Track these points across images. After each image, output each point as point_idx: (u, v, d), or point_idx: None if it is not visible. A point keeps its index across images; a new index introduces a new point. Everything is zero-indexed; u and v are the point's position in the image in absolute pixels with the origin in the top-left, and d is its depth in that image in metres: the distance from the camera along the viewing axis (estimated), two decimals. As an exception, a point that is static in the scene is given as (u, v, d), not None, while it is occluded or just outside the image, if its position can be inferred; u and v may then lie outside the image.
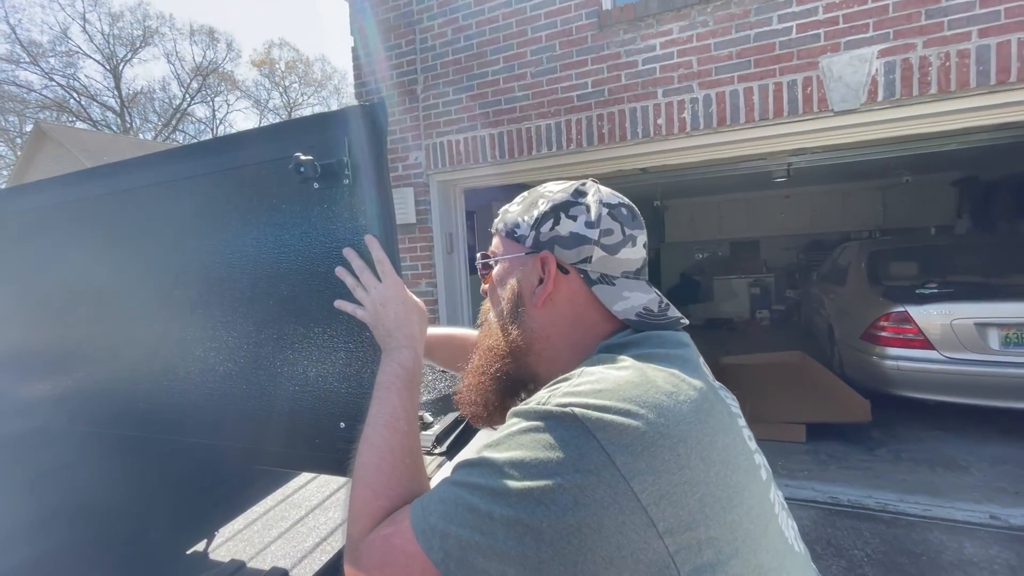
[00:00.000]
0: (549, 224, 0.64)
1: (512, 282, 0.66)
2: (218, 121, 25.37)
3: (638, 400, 0.46)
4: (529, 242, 0.65)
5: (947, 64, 2.59)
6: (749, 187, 9.18)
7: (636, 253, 0.65)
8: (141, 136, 21.55)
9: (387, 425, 0.62)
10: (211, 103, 25.43)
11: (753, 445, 0.56)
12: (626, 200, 0.67)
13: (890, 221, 9.61)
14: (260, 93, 27.13)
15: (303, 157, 0.73)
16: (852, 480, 3.36)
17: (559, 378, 0.54)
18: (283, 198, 0.81)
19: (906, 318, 3.83)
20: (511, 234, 0.68)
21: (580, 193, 0.65)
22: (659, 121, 3.21)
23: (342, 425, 0.81)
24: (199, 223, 0.88)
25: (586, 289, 0.63)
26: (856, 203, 9.77)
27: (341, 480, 1.29)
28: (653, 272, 11.31)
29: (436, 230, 4.07)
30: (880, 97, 2.73)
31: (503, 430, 0.51)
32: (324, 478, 1.33)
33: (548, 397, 0.50)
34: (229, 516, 1.17)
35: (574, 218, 0.63)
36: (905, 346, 3.83)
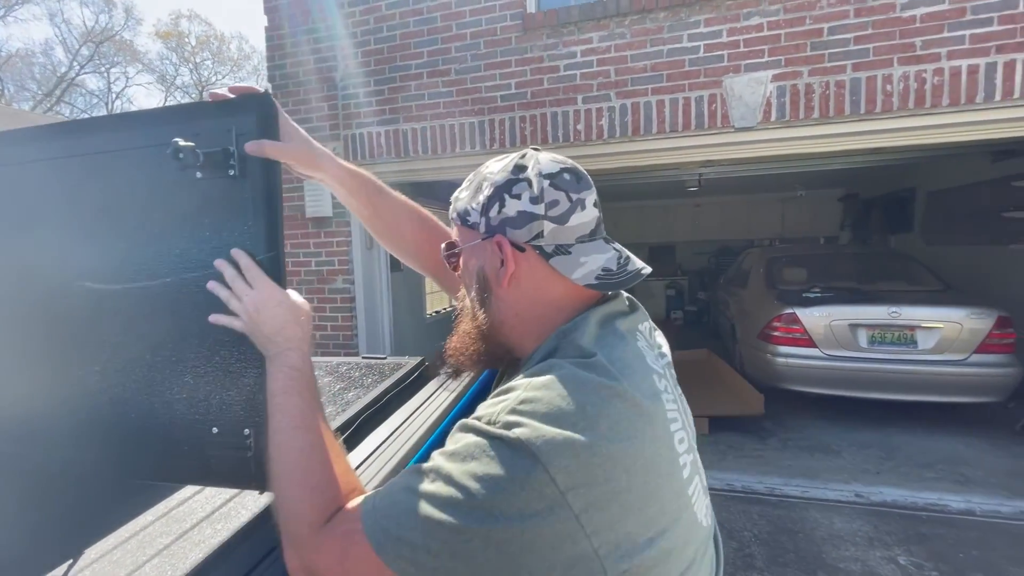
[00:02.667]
0: (496, 208, 0.65)
1: (476, 268, 0.68)
2: (114, 95, 22.82)
3: (577, 424, 0.51)
4: (482, 228, 0.66)
5: (827, 92, 2.90)
6: (666, 195, 9.73)
7: (587, 215, 0.66)
8: (16, 106, 18.87)
9: (300, 426, 0.63)
10: (106, 74, 22.82)
11: (683, 446, 0.59)
12: (568, 163, 0.68)
13: (788, 231, 10.59)
14: (166, 68, 24.75)
15: (183, 143, 0.69)
16: (746, 468, 3.67)
17: (502, 387, 0.58)
18: (161, 189, 0.74)
19: (794, 319, 4.24)
20: (465, 222, 0.69)
21: (520, 168, 0.66)
22: (578, 127, 3.31)
23: (215, 431, 0.77)
24: (62, 211, 0.78)
25: (544, 263, 0.64)
26: (759, 213, 10.67)
27: (227, 492, 1.21)
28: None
29: (354, 224, 3.92)
30: (773, 117, 2.99)
31: (454, 443, 0.55)
32: (209, 490, 1.23)
33: (496, 413, 0.53)
34: (98, 535, 1.06)
35: (518, 197, 0.64)
36: (793, 344, 4.24)
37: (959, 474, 3.48)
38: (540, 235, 0.64)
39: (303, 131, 0.76)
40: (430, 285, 6.30)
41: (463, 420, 0.57)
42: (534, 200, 0.64)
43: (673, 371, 0.73)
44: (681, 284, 10.65)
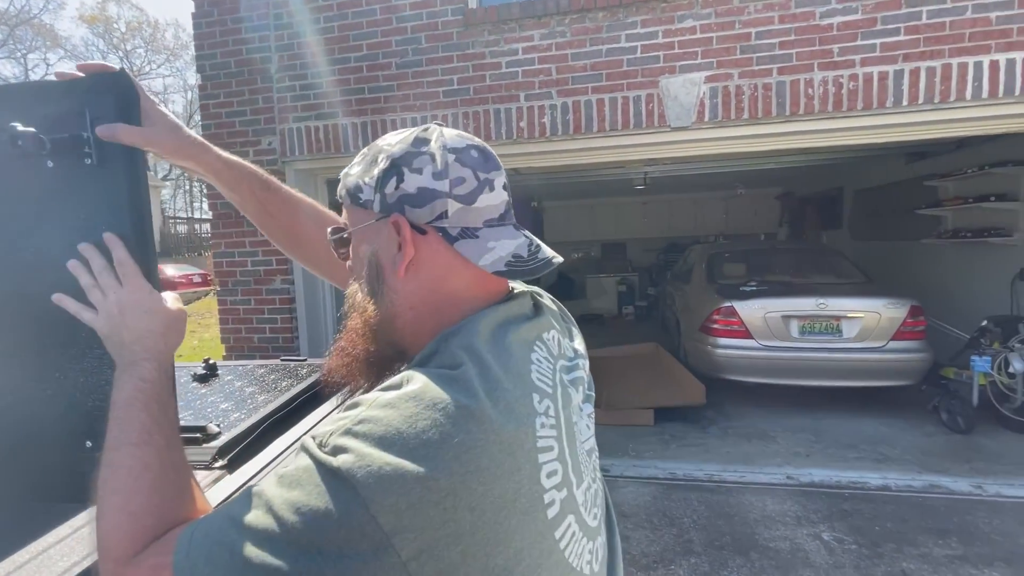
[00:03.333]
0: (393, 183, 0.57)
1: (368, 255, 0.60)
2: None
3: (414, 451, 0.44)
4: (376, 207, 0.58)
5: (755, 94, 3.03)
6: (615, 193, 9.95)
7: (496, 197, 0.59)
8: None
9: (139, 443, 0.55)
10: (22, 60, 21.04)
11: (553, 480, 0.51)
12: (476, 141, 0.61)
13: (732, 227, 11.07)
14: (91, 55, 23.05)
15: (21, 128, 0.62)
16: (688, 456, 3.80)
17: (351, 401, 0.51)
18: (8, 179, 0.67)
19: (732, 312, 4.43)
20: (356, 200, 0.60)
21: (422, 141, 0.58)
22: (521, 124, 3.31)
23: (88, 444, 0.71)
24: None
25: (448, 248, 0.57)
26: (705, 211, 11.10)
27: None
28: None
29: (294, 223, 3.78)
30: (707, 117, 3.10)
31: (287, 464, 0.48)
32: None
33: (328, 434, 0.47)
34: None
35: (419, 171, 0.56)
36: (732, 336, 4.43)
37: (879, 453, 3.74)
38: (444, 215, 0.56)
39: (171, 116, 0.70)
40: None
41: (304, 436, 0.51)
42: (437, 176, 0.56)
43: (585, 385, 0.65)
44: (632, 280, 10.91)
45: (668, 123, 3.14)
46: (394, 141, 0.59)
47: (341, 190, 0.63)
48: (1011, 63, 2.78)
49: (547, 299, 0.71)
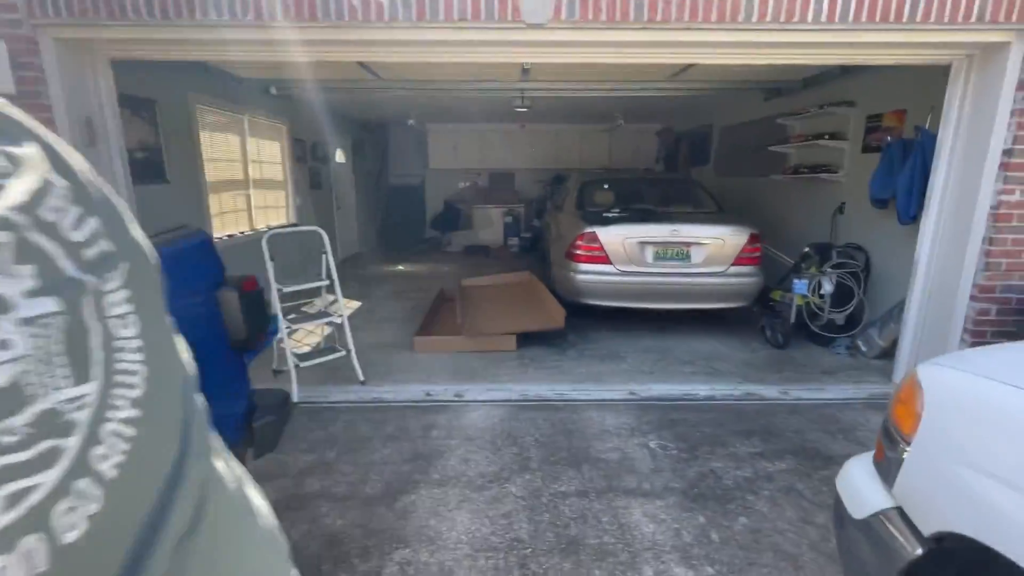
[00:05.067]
0: None
1: None
2: None
3: None
4: None
5: (614, -7, 2.79)
6: (502, 119, 9.51)
7: None
8: None
9: None
10: None
11: None
12: None
13: (615, 161, 11.26)
14: None
15: None
16: (542, 378, 3.84)
17: None
18: None
19: (594, 238, 4.44)
20: None
21: None
22: (354, 2, 2.76)
23: None
24: None
25: None
26: (590, 144, 11.12)
27: None
28: (418, 197, 11.32)
29: (59, 109, 2.93)
30: (564, 15, 2.81)
31: None
32: None
33: None
34: None
35: None
36: (592, 261, 4.47)
37: (711, 368, 4.08)
38: None
39: None
40: (218, 202, 5.30)
41: None
42: None
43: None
44: (518, 211, 10.83)
45: (523, 18, 2.80)
46: None
47: None
48: (849, -12, 2.81)
49: None
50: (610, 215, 4.64)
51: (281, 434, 1.72)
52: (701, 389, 3.67)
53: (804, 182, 5.58)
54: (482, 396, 3.51)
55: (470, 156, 11.11)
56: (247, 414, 1.61)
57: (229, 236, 5.40)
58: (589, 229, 4.44)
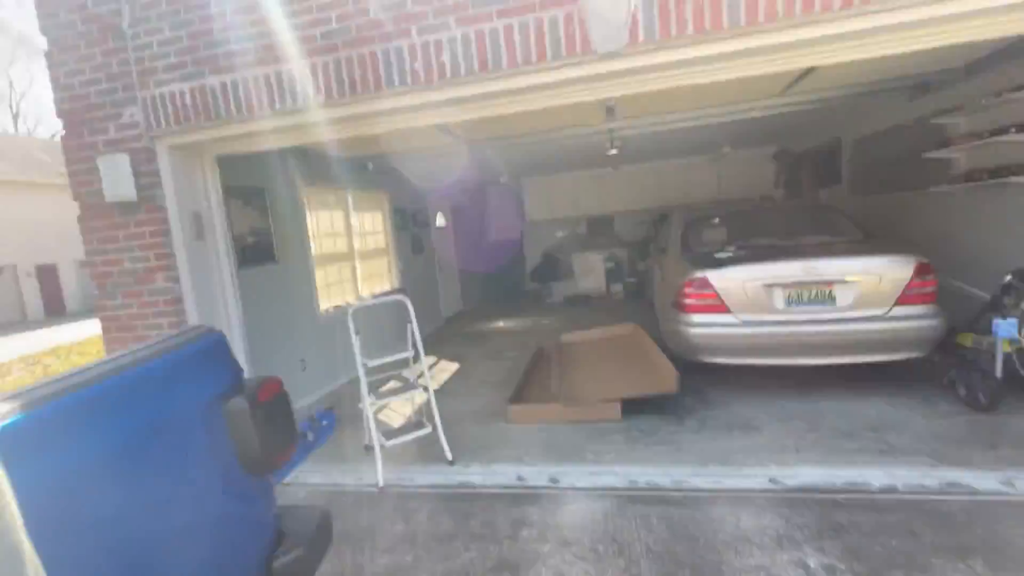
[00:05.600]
0: None
1: None
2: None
3: None
4: None
5: (701, 1, 2.35)
6: (593, 163, 9.22)
7: None
8: None
9: None
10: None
11: None
12: None
13: (725, 192, 10.28)
14: None
15: None
16: (655, 458, 3.20)
17: None
18: None
19: (706, 283, 3.78)
20: None
21: None
22: (415, 66, 2.66)
23: None
24: None
25: None
26: (695, 176, 10.30)
27: None
28: (518, 251, 11.27)
29: (172, 209, 3.19)
30: (642, 37, 2.42)
31: None
32: None
33: None
34: None
35: None
36: (706, 311, 3.79)
37: (884, 442, 3.12)
38: None
39: None
40: (324, 274, 5.57)
41: None
42: None
43: None
44: (620, 256, 10.25)
45: (594, 48, 2.47)
46: None
47: None
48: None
49: None
50: (723, 255, 3.96)
51: (315, 570, 1.41)
52: (874, 476, 2.76)
53: (983, 191, 4.38)
54: (581, 482, 2.98)
55: (565, 205, 10.92)
56: (268, 546, 1.33)
57: (336, 307, 5.61)
58: (699, 274, 3.80)
